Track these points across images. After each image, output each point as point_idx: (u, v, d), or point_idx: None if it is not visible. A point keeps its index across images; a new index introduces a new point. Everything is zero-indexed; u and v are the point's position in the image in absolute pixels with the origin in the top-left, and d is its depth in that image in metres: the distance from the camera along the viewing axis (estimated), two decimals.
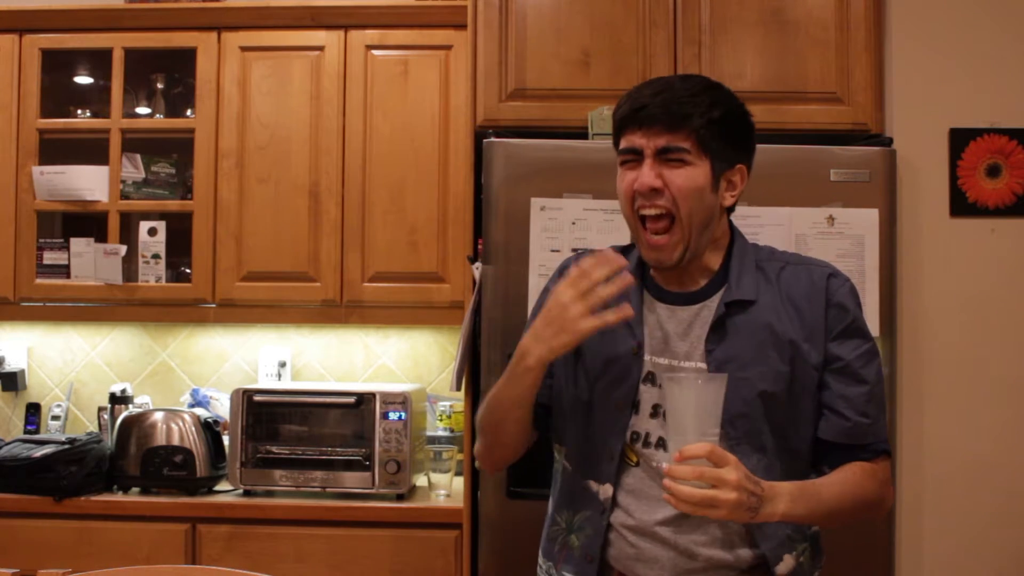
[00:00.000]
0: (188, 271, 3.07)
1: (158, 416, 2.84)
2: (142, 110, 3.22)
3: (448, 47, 2.99)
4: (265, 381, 3.26)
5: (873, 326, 2.33)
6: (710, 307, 1.56)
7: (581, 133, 2.52)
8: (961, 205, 2.53)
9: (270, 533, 2.69)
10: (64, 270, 3.08)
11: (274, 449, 2.79)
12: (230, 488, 2.83)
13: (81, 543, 2.71)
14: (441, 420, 3.17)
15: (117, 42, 3.07)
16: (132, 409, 3.04)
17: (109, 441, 2.90)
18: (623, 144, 1.54)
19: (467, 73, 2.68)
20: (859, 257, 2.38)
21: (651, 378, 1.56)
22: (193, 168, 3.05)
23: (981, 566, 2.48)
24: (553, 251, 2.39)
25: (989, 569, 2.47)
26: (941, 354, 2.50)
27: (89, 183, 3.06)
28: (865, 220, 2.39)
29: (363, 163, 2.99)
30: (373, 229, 2.98)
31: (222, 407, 3.15)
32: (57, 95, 3.20)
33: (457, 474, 2.81)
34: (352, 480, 2.75)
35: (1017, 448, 2.49)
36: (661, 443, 1.53)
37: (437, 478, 2.80)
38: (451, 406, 3.16)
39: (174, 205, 3.10)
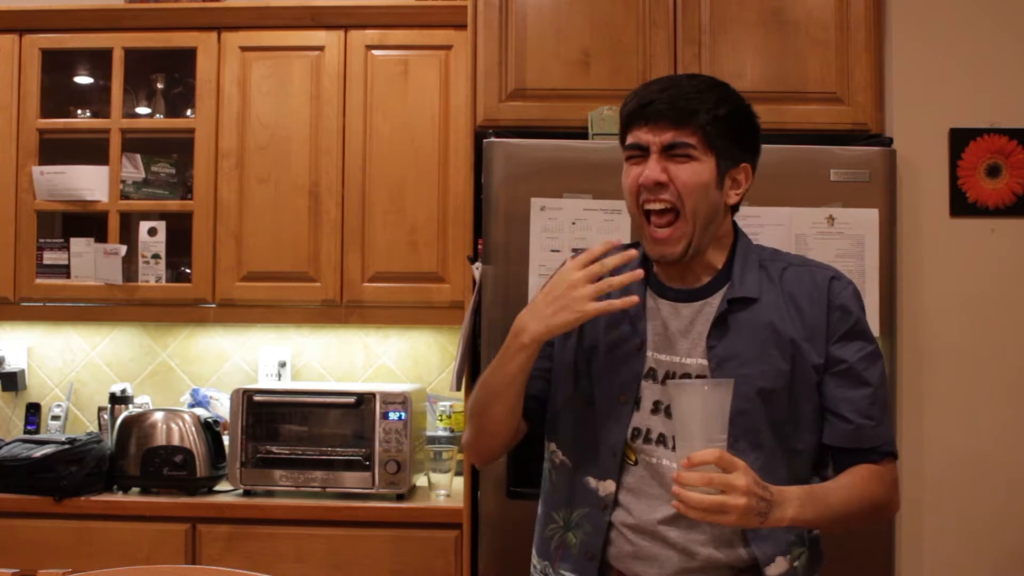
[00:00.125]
0: (188, 271, 3.07)
1: (158, 416, 2.84)
2: (142, 110, 3.22)
3: (448, 47, 2.99)
4: (265, 381, 3.26)
5: (873, 326, 2.32)
6: (712, 304, 1.56)
7: (581, 133, 2.52)
8: (961, 205, 2.53)
9: (270, 533, 2.69)
10: (64, 270, 3.08)
11: (274, 449, 2.79)
12: (230, 488, 2.83)
13: (81, 543, 2.71)
14: (441, 420, 3.17)
15: (117, 42, 3.07)
16: (132, 409, 3.04)
17: (109, 441, 2.90)
18: (629, 140, 1.54)
19: (467, 73, 2.68)
20: (859, 257, 2.38)
21: (652, 374, 1.56)
22: (193, 168, 3.05)
23: (981, 566, 2.48)
24: (553, 251, 2.39)
25: (989, 569, 2.47)
26: (941, 354, 2.50)
27: (89, 183, 3.06)
28: (865, 220, 2.39)
29: (363, 163, 2.99)
30: (373, 229, 2.98)
31: (222, 407, 3.15)
32: (57, 95, 3.20)
33: (457, 474, 2.81)
34: (352, 480, 2.75)
35: (1017, 447, 2.49)
36: (662, 439, 1.53)
37: (437, 478, 2.80)
38: (451, 406, 3.16)
39: (174, 205, 3.10)
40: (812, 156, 2.42)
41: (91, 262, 3.05)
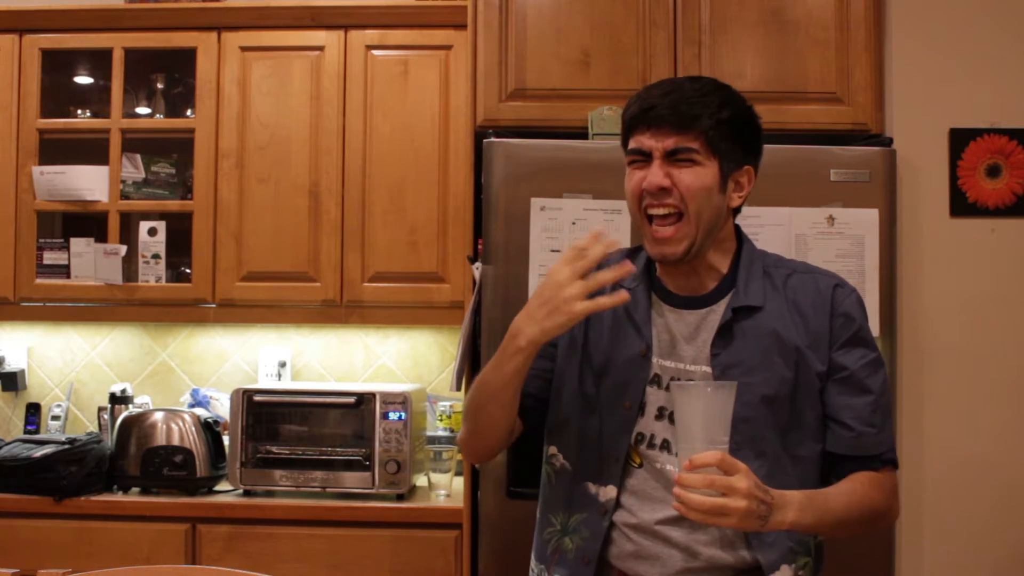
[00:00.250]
0: (188, 271, 3.07)
1: (158, 416, 2.84)
2: (142, 110, 3.22)
3: (448, 47, 2.99)
4: (265, 381, 3.26)
5: (873, 326, 2.32)
6: (717, 311, 1.56)
7: (581, 133, 2.52)
8: (961, 205, 2.53)
9: (270, 533, 2.69)
10: (64, 270, 3.08)
11: (274, 449, 2.79)
12: (230, 488, 2.83)
13: (81, 543, 2.71)
14: (441, 420, 3.17)
15: (117, 42, 3.07)
16: (132, 409, 3.04)
17: (109, 441, 2.90)
18: (632, 144, 1.53)
19: (467, 73, 2.68)
20: (859, 257, 2.38)
21: (657, 380, 1.55)
22: (193, 168, 3.05)
23: (981, 566, 2.47)
24: (553, 251, 2.39)
25: (989, 569, 2.47)
26: (941, 354, 2.50)
27: (89, 183, 3.06)
28: (865, 220, 2.39)
29: (363, 163, 2.99)
30: (373, 229, 2.98)
31: (222, 407, 3.15)
32: (57, 95, 3.20)
33: (457, 474, 2.81)
34: (352, 480, 2.75)
35: (1017, 448, 2.49)
36: (666, 445, 1.53)
37: (437, 478, 2.80)
38: (451, 406, 3.16)
39: (174, 205, 3.10)
40: (812, 156, 2.42)
41: (91, 262, 3.05)
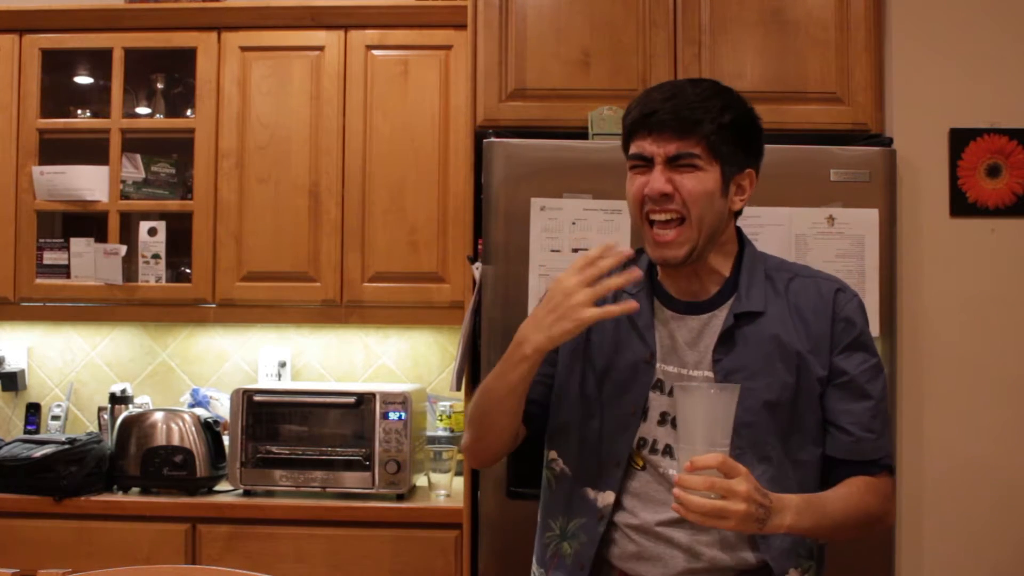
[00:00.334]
0: (188, 271, 3.07)
1: (158, 416, 2.84)
2: (142, 110, 3.22)
3: (448, 47, 2.99)
4: (265, 381, 3.26)
5: (873, 326, 2.32)
6: (719, 317, 1.56)
7: (581, 133, 2.52)
8: (961, 205, 2.53)
9: (270, 533, 2.69)
10: (64, 270, 3.08)
11: (274, 449, 2.79)
12: (230, 488, 2.83)
13: (81, 543, 2.71)
14: (441, 420, 3.17)
15: (117, 42, 3.07)
16: (132, 409, 3.04)
17: (109, 441, 2.90)
18: (633, 150, 1.53)
19: (467, 73, 2.68)
20: (859, 257, 2.38)
21: (660, 385, 1.55)
22: (193, 168, 3.05)
23: (981, 566, 2.47)
24: (553, 251, 2.39)
25: (989, 569, 2.47)
26: (941, 354, 2.50)
27: (89, 183, 3.06)
28: (865, 220, 2.39)
29: (363, 163, 2.99)
30: (373, 229, 2.98)
31: (222, 407, 3.15)
32: (57, 95, 3.20)
33: (457, 474, 2.82)
34: (352, 480, 2.75)
35: (1017, 448, 2.49)
36: (668, 450, 1.53)
37: (437, 478, 2.80)
38: (451, 406, 3.16)
39: (174, 205, 3.10)
40: (812, 156, 2.42)
41: (91, 262, 3.05)
